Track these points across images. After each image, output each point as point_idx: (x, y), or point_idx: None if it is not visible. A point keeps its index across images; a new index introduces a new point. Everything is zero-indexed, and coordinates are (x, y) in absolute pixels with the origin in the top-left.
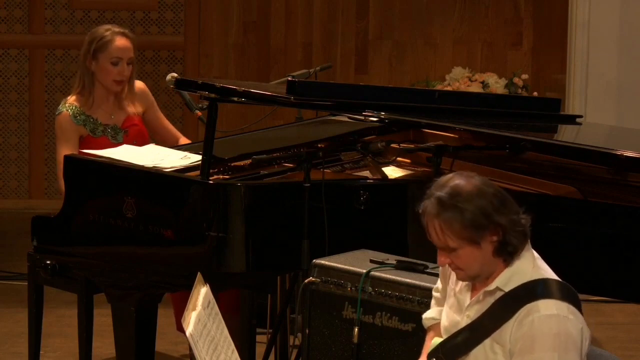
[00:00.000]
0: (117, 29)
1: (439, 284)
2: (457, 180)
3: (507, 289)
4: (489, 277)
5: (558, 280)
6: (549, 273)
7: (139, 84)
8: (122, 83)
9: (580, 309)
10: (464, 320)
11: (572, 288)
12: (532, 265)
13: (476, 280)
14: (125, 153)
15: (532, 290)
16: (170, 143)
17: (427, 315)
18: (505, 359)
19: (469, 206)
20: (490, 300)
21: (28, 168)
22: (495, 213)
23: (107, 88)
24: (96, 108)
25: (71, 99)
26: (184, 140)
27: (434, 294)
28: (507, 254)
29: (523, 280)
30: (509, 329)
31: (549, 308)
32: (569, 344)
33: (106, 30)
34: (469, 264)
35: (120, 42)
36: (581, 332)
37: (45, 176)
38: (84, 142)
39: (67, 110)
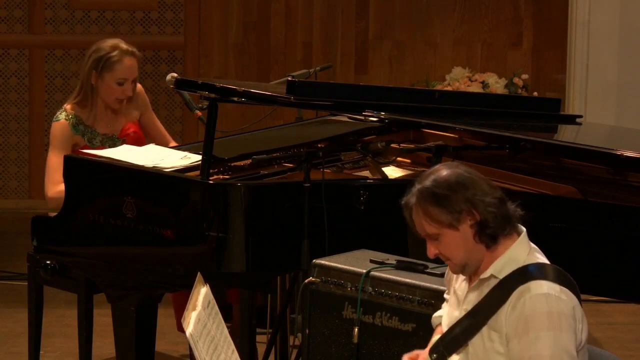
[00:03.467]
0: (124, 47)
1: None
2: (436, 169)
3: (501, 276)
4: (478, 266)
5: (553, 265)
6: (545, 262)
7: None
8: (122, 101)
9: (576, 294)
10: (461, 314)
11: (568, 274)
12: (526, 253)
13: (466, 271)
14: (125, 153)
15: (525, 273)
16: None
17: (436, 314)
18: (502, 346)
19: (443, 190)
20: (486, 289)
21: (28, 168)
22: (470, 196)
23: (107, 105)
24: (94, 119)
25: (69, 107)
26: (173, 144)
27: (445, 296)
28: (488, 237)
29: (517, 267)
30: (504, 314)
31: (540, 287)
32: (562, 322)
33: (113, 48)
34: (453, 252)
35: (128, 62)
36: (573, 310)
37: None
38: (80, 150)
39: (67, 119)
